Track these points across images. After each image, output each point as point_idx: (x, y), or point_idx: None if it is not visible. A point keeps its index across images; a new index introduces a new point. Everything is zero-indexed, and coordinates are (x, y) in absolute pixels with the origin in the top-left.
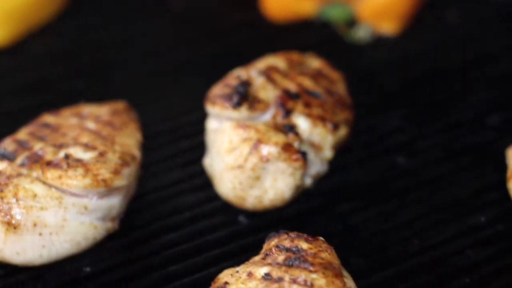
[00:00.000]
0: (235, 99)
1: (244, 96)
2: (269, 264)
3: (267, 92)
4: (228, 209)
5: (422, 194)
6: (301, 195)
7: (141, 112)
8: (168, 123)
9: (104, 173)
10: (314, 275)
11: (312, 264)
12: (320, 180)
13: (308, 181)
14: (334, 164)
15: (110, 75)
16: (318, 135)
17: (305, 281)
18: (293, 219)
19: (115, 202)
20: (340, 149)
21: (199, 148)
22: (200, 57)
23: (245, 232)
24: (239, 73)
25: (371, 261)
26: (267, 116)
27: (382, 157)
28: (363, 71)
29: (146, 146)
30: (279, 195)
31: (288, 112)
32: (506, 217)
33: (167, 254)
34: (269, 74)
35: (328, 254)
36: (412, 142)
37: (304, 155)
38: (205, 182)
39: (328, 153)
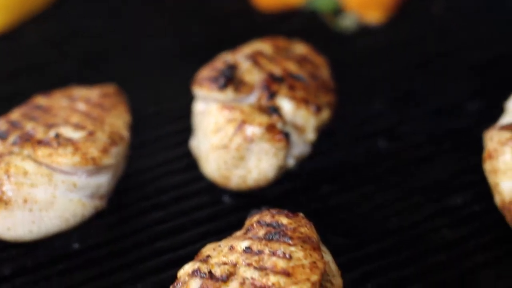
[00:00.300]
0: (221, 81)
1: (230, 79)
2: (250, 238)
3: (252, 75)
4: (213, 189)
5: (402, 176)
6: (284, 176)
7: (130, 96)
8: (156, 107)
9: (93, 151)
10: (292, 248)
11: (291, 238)
12: (303, 162)
13: (291, 162)
14: (317, 147)
15: (102, 61)
16: (301, 117)
17: (284, 253)
18: (276, 199)
19: (103, 180)
20: (323, 132)
21: (187, 131)
22: (190, 45)
23: (229, 211)
24: (226, 57)
25: (350, 239)
26: (252, 98)
27: (364, 141)
28: (348, 59)
29: (134, 128)
30: (262, 175)
31: (272, 95)
32: (482, 198)
33: (153, 231)
34: (255, 58)
35: (307, 229)
36: (394, 127)
37: (287, 136)
38: (191, 164)
39: (310, 135)
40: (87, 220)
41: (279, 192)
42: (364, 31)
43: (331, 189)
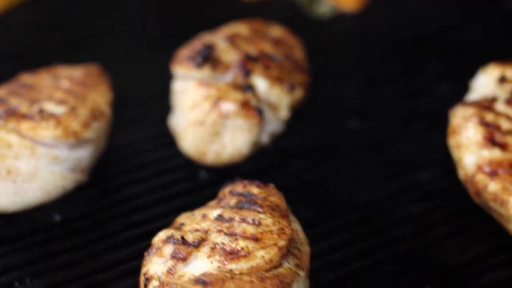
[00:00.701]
0: (199, 59)
1: (207, 58)
2: (222, 207)
3: (229, 55)
4: (190, 165)
5: (371, 154)
6: (259, 153)
7: (113, 76)
8: (138, 87)
9: (75, 125)
10: (262, 215)
11: (261, 206)
12: (277, 140)
13: (265, 139)
14: (291, 125)
15: (86, 43)
16: (275, 95)
17: (253, 220)
18: (250, 174)
19: (84, 154)
20: (297, 111)
21: (167, 109)
22: (171, 29)
23: (205, 185)
24: (204, 38)
25: (320, 212)
26: (228, 77)
27: (336, 120)
28: (324, 43)
29: (117, 107)
30: (237, 150)
31: (247, 73)
32: (448, 174)
33: (131, 204)
34: (232, 39)
35: (276, 198)
36: (365, 107)
37: (260, 112)
38: (170, 141)
39: (284, 113)
40: (68, 193)
41: (254, 169)
42: (339, 17)
43: (303, 166)
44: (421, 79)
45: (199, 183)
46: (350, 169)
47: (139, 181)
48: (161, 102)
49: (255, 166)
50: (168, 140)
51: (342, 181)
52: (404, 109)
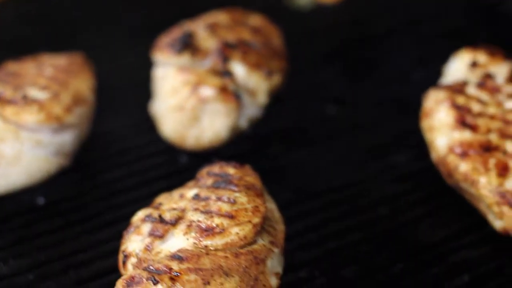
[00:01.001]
0: (178, 46)
1: (187, 44)
2: (199, 186)
3: (208, 42)
4: (171, 150)
5: (348, 138)
6: (238, 137)
7: (97, 65)
8: (122, 75)
9: (57, 110)
10: (237, 194)
11: (236, 186)
12: (256, 125)
13: (244, 124)
14: (269, 111)
15: (71, 33)
16: (253, 81)
17: (229, 198)
18: (229, 158)
19: (67, 139)
20: (276, 97)
21: (149, 97)
22: (155, 20)
23: (184, 169)
24: (184, 26)
25: (297, 194)
26: (207, 63)
27: (314, 106)
28: (304, 34)
29: (100, 94)
30: (216, 134)
31: (226, 59)
32: (421, 157)
33: (113, 188)
34: (212, 27)
35: (252, 178)
36: (343, 93)
37: (238, 97)
38: (151, 127)
39: (262, 98)
40: (52, 177)
41: (233, 153)
42: (319, 9)
43: (281, 150)
44: (397, 67)
45: (179, 167)
46: (327, 153)
47: (120, 165)
48: (143, 89)
49: (234, 150)
50: (149, 125)
51: (319, 164)
52: (380, 96)
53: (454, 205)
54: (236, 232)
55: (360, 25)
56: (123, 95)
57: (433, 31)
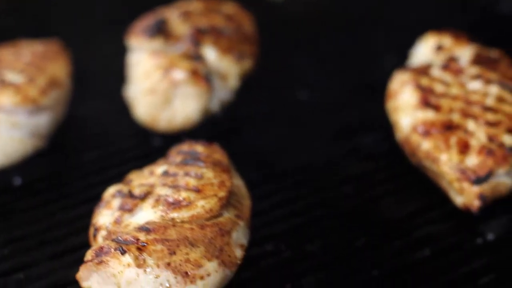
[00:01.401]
0: (151, 31)
1: (159, 29)
2: (168, 163)
3: (181, 27)
4: (143, 133)
5: (317, 121)
6: (210, 120)
7: (75, 52)
8: (98, 62)
9: (33, 93)
10: (204, 170)
11: (204, 162)
12: (227, 108)
13: (216, 107)
14: (241, 95)
15: (51, 21)
16: (225, 65)
17: (196, 174)
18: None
19: (43, 121)
20: (248, 82)
21: (124, 82)
22: (131, 7)
23: (157, 151)
24: (158, 12)
25: (265, 174)
26: (180, 48)
27: (287, 91)
28: (277, 23)
29: (77, 79)
30: (188, 117)
31: (198, 44)
32: (388, 138)
33: (88, 168)
34: (185, 14)
35: (219, 155)
36: (315, 79)
37: (209, 80)
38: (125, 110)
39: (233, 82)
40: (29, 158)
41: (204, 135)
42: (293, 1)
43: (251, 132)
44: (370, 55)
45: (152, 148)
46: (296, 135)
47: (95, 147)
48: (119, 75)
49: (205, 132)
50: (123, 109)
51: (287, 145)
52: (351, 81)
53: (417, 184)
54: (202, 205)
55: (332, 16)
56: (99, 80)
57: (405, 19)
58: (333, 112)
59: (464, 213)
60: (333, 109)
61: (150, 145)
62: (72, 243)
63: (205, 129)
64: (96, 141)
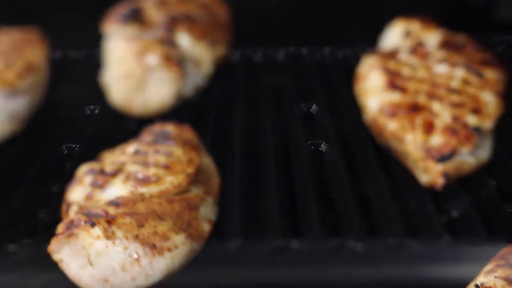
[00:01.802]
0: (126, 17)
1: (134, 16)
2: (140, 143)
3: (156, 15)
4: (118, 117)
5: (290, 105)
6: (183, 105)
7: (55, 40)
8: (77, 49)
9: (10, 76)
10: (173, 148)
11: (174, 141)
12: (201, 92)
13: (189, 91)
14: (214, 80)
15: (31, 11)
16: (198, 51)
17: (166, 152)
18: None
19: (20, 105)
20: (221, 67)
21: (101, 68)
22: None
23: (131, 133)
24: (135, 0)
25: (236, 154)
26: (154, 34)
27: (262, 77)
28: (252, 14)
29: (55, 66)
30: (162, 101)
31: (172, 30)
32: (356, 121)
33: (62, 150)
34: (161, 2)
35: (189, 134)
36: (291, 64)
37: (183, 66)
38: (102, 95)
39: (206, 67)
40: (5, 140)
41: (178, 119)
42: None
43: (225, 115)
44: (344, 42)
45: (127, 131)
46: (267, 117)
47: (71, 130)
48: (96, 62)
49: (179, 116)
50: (99, 94)
51: (258, 127)
52: (325, 68)
53: (384, 163)
54: (170, 181)
55: (306, 5)
56: (76, 67)
57: (378, 7)
58: (307, 97)
59: (430, 191)
60: (306, 93)
61: (125, 128)
62: (47, 220)
63: (179, 112)
64: (72, 125)
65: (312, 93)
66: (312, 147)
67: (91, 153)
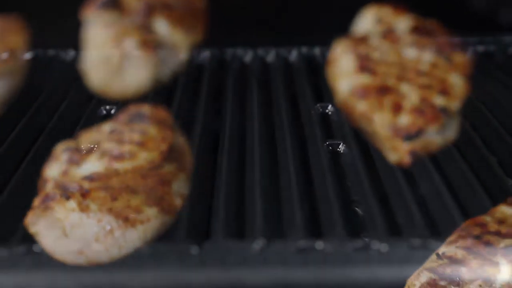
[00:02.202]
0: (106, 5)
1: (113, 3)
2: (116, 122)
3: (134, 2)
4: (97, 100)
5: (263, 91)
6: (160, 88)
7: (36, 27)
8: (58, 37)
9: None
10: (148, 127)
11: (149, 120)
12: (178, 76)
13: (166, 76)
14: (191, 64)
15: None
16: (175, 37)
17: (141, 130)
18: None
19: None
20: (197, 51)
21: (80, 53)
22: None
23: (108, 116)
24: None
25: (207, 135)
26: (133, 20)
27: (233, 61)
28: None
29: (36, 53)
30: (139, 85)
31: (150, 17)
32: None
33: (41, 131)
34: None
35: (164, 115)
36: (266, 54)
37: (160, 51)
38: (81, 80)
39: (183, 53)
40: None
41: (155, 102)
42: None
43: (200, 99)
44: (323, 33)
45: (105, 114)
46: (241, 103)
47: (50, 113)
48: (77, 49)
49: (156, 99)
50: (79, 78)
51: (232, 112)
52: (301, 55)
53: (357, 145)
54: (144, 157)
55: None
56: (57, 54)
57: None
58: (284, 83)
59: (399, 168)
60: (284, 80)
61: (102, 111)
62: (24, 196)
63: (155, 96)
64: (51, 108)
65: (289, 79)
66: (330, 147)
67: (69, 134)
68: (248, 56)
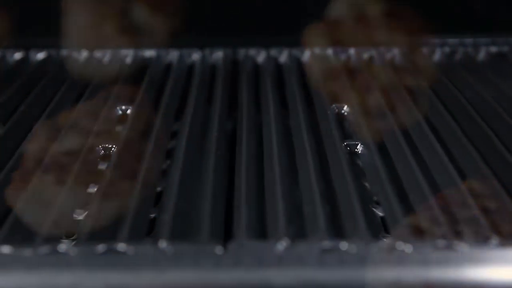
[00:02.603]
0: None
1: None
2: (94, 103)
3: None
4: (78, 83)
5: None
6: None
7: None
8: (42, 22)
9: None
10: (126, 106)
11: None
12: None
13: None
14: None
15: None
16: (153, 22)
17: (118, 109)
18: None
19: None
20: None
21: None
22: None
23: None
24: None
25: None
26: (112, 6)
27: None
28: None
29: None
30: (119, 68)
31: (129, 2)
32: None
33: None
34: None
35: (140, 94)
36: (249, 42)
37: (138, 35)
38: (62, 63)
39: (161, 38)
40: None
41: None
42: None
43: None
44: (300, 22)
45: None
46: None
47: (32, 95)
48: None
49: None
50: (61, 62)
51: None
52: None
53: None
54: (121, 134)
55: None
56: (41, 37)
57: None
58: (267, 71)
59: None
60: (274, 71)
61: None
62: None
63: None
64: (24, 83)
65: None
66: (348, 148)
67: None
68: (261, 57)
